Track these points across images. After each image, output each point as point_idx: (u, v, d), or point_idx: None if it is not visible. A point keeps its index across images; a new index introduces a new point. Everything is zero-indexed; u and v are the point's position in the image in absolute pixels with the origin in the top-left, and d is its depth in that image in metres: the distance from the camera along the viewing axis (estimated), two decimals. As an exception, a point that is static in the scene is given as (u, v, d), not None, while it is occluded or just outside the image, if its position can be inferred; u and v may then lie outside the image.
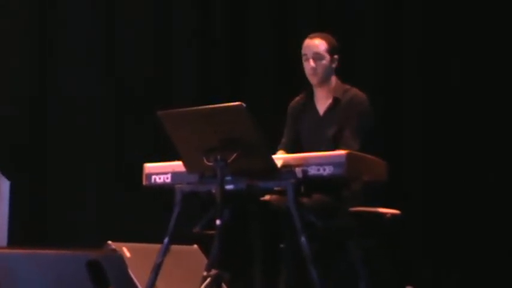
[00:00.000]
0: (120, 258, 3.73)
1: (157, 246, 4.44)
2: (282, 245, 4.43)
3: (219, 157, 4.06)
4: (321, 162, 4.08)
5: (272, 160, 4.15)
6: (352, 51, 6.85)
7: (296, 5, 7.28)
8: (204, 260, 4.96)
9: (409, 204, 6.14)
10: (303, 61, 4.77)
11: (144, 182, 4.55)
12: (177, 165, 4.38)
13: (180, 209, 4.35)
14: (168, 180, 4.45)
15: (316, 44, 4.75)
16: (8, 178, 5.31)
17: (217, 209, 4.03)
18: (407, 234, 6.09)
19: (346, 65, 4.93)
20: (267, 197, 4.51)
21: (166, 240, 4.37)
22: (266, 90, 7.12)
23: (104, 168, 6.97)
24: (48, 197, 6.92)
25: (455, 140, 6.75)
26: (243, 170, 4.16)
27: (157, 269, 4.37)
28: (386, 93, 6.98)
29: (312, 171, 4.08)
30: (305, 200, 4.26)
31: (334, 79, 4.80)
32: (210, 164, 4.09)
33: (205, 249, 5.16)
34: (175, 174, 4.42)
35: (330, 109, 4.77)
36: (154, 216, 5.43)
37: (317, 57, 4.72)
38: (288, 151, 4.70)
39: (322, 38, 4.77)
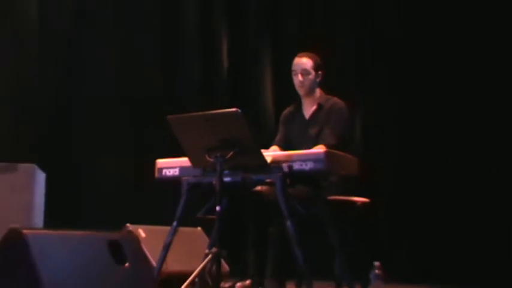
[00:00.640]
0: (136, 238, 3.73)
1: (167, 228, 4.43)
2: (271, 228, 4.42)
3: (218, 154, 4.06)
4: (303, 159, 4.09)
5: (263, 157, 4.14)
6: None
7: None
8: (206, 240, 4.95)
9: (378, 193, 6.13)
10: (293, 75, 4.80)
11: (156, 175, 4.55)
12: (184, 161, 4.38)
13: (186, 197, 4.36)
14: (176, 174, 4.46)
15: (304, 61, 4.77)
16: (44, 171, 5.30)
17: (217, 198, 4.03)
18: (376, 218, 6.10)
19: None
20: (258, 188, 4.52)
21: (174, 223, 4.37)
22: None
23: (124, 164, 6.98)
24: (77, 187, 6.93)
25: (418, 137, 6.74)
26: (239, 165, 4.16)
27: (167, 247, 4.39)
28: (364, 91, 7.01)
29: (296, 166, 4.09)
30: (290, 190, 4.22)
31: (318, 91, 4.82)
32: (211, 160, 4.09)
33: (207, 231, 5.15)
34: (182, 169, 4.43)
35: (314, 113, 4.78)
36: (165, 203, 5.41)
37: (304, 72, 4.74)
38: (280, 146, 4.74)
39: (309, 56, 4.79)
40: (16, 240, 3.11)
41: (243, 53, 7.28)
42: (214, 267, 4.02)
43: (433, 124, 6.67)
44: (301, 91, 4.80)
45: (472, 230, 6.23)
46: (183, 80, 7.22)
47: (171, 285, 4.09)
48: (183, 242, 4.78)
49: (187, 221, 4.53)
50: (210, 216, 4.10)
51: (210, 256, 4.01)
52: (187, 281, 3.97)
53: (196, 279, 4.06)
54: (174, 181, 4.50)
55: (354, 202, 4.64)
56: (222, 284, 4.13)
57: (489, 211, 6.21)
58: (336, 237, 4.40)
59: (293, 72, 4.80)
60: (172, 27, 7.26)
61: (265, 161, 4.14)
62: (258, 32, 7.30)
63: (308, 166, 4.07)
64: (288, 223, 4.05)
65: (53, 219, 5.38)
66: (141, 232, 4.98)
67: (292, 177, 4.17)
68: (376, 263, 4.56)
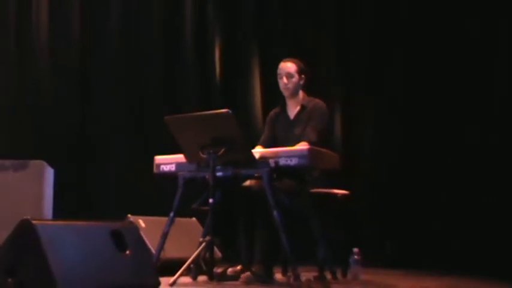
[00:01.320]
0: (136, 228, 3.72)
1: (165, 219, 4.45)
2: (259, 218, 4.41)
3: (211, 151, 4.09)
4: (288, 155, 4.11)
5: (252, 154, 4.18)
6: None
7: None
8: (200, 230, 4.93)
9: (357, 186, 6.14)
10: (278, 79, 4.80)
11: (155, 170, 4.56)
12: (180, 157, 4.39)
13: (182, 191, 4.36)
14: (173, 169, 4.47)
15: (289, 66, 4.77)
16: (52, 166, 5.29)
17: (210, 191, 4.06)
18: (355, 209, 6.11)
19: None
20: (247, 183, 4.54)
21: (171, 214, 4.38)
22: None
23: (125, 160, 6.97)
24: (84, 181, 6.91)
25: (395, 133, 6.76)
26: (230, 161, 4.18)
27: (165, 236, 4.40)
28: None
29: (282, 161, 4.11)
30: (277, 183, 4.25)
31: (301, 93, 4.82)
32: (205, 156, 4.12)
33: (201, 221, 5.14)
34: (178, 164, 4.44)
35: (298, 114, 4.78)
36: (163, 196, 5.41)
37: (289, 75, 4.74)
38: (264, 146, 4.71)
39: (293, 61, 4.79)
40: (27, 230, 3.11)
41: (234, 60, 7.28)
42: (208, 254, 4.05)
43: (411, 119, 6.68)
44: (285, 93, 4.80)
45: (447, 217, 6.25)
46: (181, 85, 7.21)
47: (169, 271, 4.09)
48: (179, 231, 4.79)
49: (183, 212, 4.53)
50: (204, 208, 4.12)
51: (204, 244, 4.04)
52: (184, 267, 4.00)
53: (192, 265, 4.10)
54: (171, 176, 4.49)
55: (335, 194, 4.66)
56: (215, 269, 4.13)
57: (462, 197, 6.23)
58: (319, 226, 4.42)
59: (278, 76, 4.80)
60: (172, 37, 7.26)
61: (253, 157, 4.16)
62: (248, 41, 7.30)
63: (293, 162, 4.09)
64: (275, 213, 4.06)
65: (60, 210, 5.37)
66: (141, 222, 4.97)
67: (279, 171, 4.18)
68: (355, 249, 4.59)
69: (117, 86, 7.07)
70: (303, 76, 4.77)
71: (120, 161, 6.95)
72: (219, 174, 4.17)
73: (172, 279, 3.94)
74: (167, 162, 4.50)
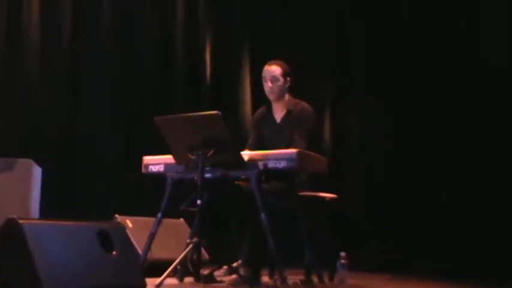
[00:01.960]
0: (123, 228, 3.71)
1: (152, 219, 4.43)
2: (247, 220, 4.38)
3: (200, 152, 4.07)
4: (277, 158, 4.11)
5: (240, 156, 4.16)
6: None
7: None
8: (188, 231, 4.93)
9: (345, 189, 6.15)
10: (263, 82, 4.75)
11: (143, 171, 4.53)
12: (169, 158, 4.37)
13: (170, 191, 4.34)
14: (162, 170, 4.44)
15: (273, 69, 4.71)
16: (40, 166, 5.27)
17: (199, 192, 4.04)
18: (343, 212, 6.12)
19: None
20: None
21: (159, 215, 4.36)
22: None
23: (114, 161, 6.95)
24: (72, 181, 6.89)
25: (384, 138, 6.78)
26: (219, 162, 4.16)
27: (152, 236, 4.39)
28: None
29: (271, 164, 4.10)
30: (265, 186, 4.24)
31: (287, 96, 4.76)
32: (194, 157, 4.10)
33: (189, 222, 5.13)
34: (167, 165, 4.41)
35: (284, 118, 4.74)
36: (151, 197, 5.39)
37: (274, 79, 4.69)
38: (252, 150, 4.68)
39: (278, 64, 4.73)
40: (13, 230, 3.10)
41: (225, 61, 7.28)
42: (195, 256, 4.03)
43: (402, 122, 6.70)
44: (271, 97, 4.75)
45: (438, 220, 6.28)
46: (171, 86, 7.20)
47: (156, 272, 4.08)
48: (167, 232, 4.76)
49: (171, 213, 4.52)
50: (192, 209, 4.09)
51: (191, 245, 4.02)
52: (170, 268, 3.98)
53: (179, 266, 4.08)
54: (159, 176, 4.48)
55: (323, 198, 4.66)
56: (201, 271, 4.11)
57: (453, 200, 6.27)
58: (306, 229, 4.40)
59: (263, 79, 4.74)
60: (162, 39, 7.25)
61: (242, 159, 4.15)
62: (239, 42, 7.30)
63: (282, 164, 4.08)
64: (263, 215, 4.06)
65: (47, 210, 5.34)
66: (129, 223, 4.95)
67: (267, 174, 4.17)
68: (343, 253, 4.59)
69: (106, 86, 7.06)
70: (288, 79, 4.71)
71: (109, 161, 6.93)
72: (207, 175, 4.14)
73: (158, 280, 3.93)
74: (156, 162, 4.47)
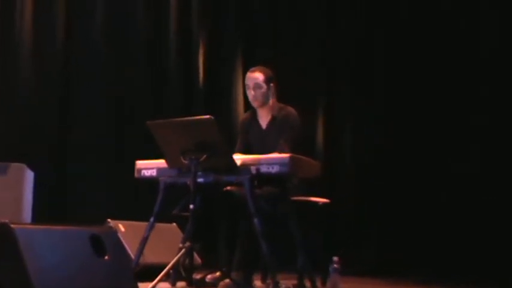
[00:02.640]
0: (116, 233, 3.73)
1: (145, 223, 4.43)
2: (240, 225, 4.41)
3: (193, 157, 4.07)
4: (270, 162, 4.12)
5: (233, 160, 4.17)
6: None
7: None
8: (180, 235, 4.91)
9: (338, 193, 6.17)
10: (246, 90, 4.75)
11: (136, 175, 4.53)
12: (161, 163, 4.37)
13: (163, 196, 4.35)
14: (154, 174, 4.44)
15: (256, 76, 4.70)
16: (32, 170, 5.27)
17: (191, 197, 4.04)
18: (335, 217, 6.13)
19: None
20: (228, 187, 4.52)
21: (152, 219, 4.37)
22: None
23: (107, 165, 6.94)
24: (64, 185, 6.87)
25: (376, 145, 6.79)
26: (211, 167, 4.16)
27: (144, 241, 4.39)
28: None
29: (263, 169, 4.11)
30: (258, 190, 4.25)
31: (272, 101, 4.72)
32: (186, 162, 4.10)
33: (181, 227, 5.13)
34: (159, 169, 4.42)
35: (270, 124, 4.73)
36: (143, 201, 5.40)
37: (257, 86, 4.67)
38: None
39: (260, 71, 4.72)
40: (5, 234, 3.10)
41: (218, 65, 7.29)
42: (187, 260, 4.03)
43: (395, 127, 6.74)
44: (254, 104, 4.73)
45: (430, 224, 6.30)
46: (164, 89, 7.20)
47: (148, 276, 4.08)
48: (159, 236, 4.78)
49: (164, 217, 4.51)
50: (184, 214, 4.09)
51: (183, 250, 4.02)
52: (163, 272, 3.97)
53: (171, 271, 4.07)
54: (152, 181, 4.48)
55: (316, 202, 4.67)
56: (194, 276, 4.12)
57: (446, 205, 6.31)
58: (299, 234, 4.39)
59: (246, 87, 4.74)
60: (155, 42, 7.25)
61: (235, 163, 4.16)
62: (231, 45, 7.32)
63: (274, 169, 4.09)
64: (255, 220, 4.07)
65: (40, 214, 5.34)
66: (121, 227, 4.95)
67: (260, 179, 4.18)
68: (335, 258, 4.59)
69: (99, 89, 7.03)
70: (271, 85, 4.70)
71: (101, 165, 6.91)
72: (200, 180, 4.15)
73: (150, 285, 3.93)
74: (148, 167, 4.48)
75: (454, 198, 6.29)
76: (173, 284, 4.24)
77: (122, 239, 4.38)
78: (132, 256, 4.50)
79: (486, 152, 6.34)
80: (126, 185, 6.23)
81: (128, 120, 7.02)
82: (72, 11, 7.10)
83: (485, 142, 6.36)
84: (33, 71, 6.88)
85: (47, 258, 3.14)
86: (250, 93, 4.71)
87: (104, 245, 3.42)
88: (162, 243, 4.87)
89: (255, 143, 4.77)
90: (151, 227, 4.38)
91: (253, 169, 4.13)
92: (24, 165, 5.07)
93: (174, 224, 5.42)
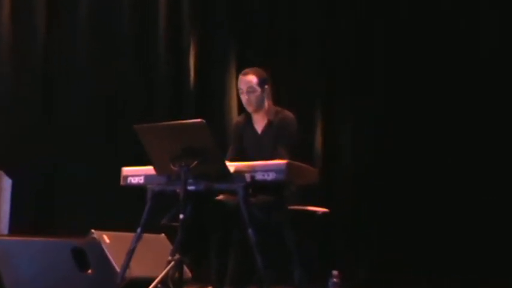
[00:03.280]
0: (100, 245, 3.60)
1: (132, 234, 4.31)
2: (233, 236, 4.30)
3: (183, 163, 3.95)
4: (265, 169, 4.01)
5: (226, 167, 4.05)
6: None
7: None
8: (169, 247, 4.85)
9: (336, 200, 6.15)
10: (240, 94, 4.63)
11: (122, 183, 4.40)
12: (149, 169, 4.25)
13: (151, 205, 4.24)
14: (141, 181, 4.33)
15: (249, 79, 4.57)
16: (10, 177, 5.14)
17: (181, 206, 3.93)
18: (335, 228, 6.10)
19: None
20: (221, 197, 4.42)
21: (139, 229, 4.24)
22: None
23: (91, 169, 6.79)
24: (45, 193, 6.72)
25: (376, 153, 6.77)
26: (202, 174, 4.06)
27: (131, 253, 4.25)
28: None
29: (258, 176, 4.00)
30: (252, 199, 4.13)
31: (267, 104, 4.62)
32: (176, 168, 3.98)
33: (170, 238, 5.04)
34: (147, 177, 4.30)
35: (266, 129, 4.61)
36: (130, 210, 5.28)
37: (250, 90, 4.55)
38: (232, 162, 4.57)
39: (253, 73, 4.60)
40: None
41: (210, 66, 7.20)
42: (176, 274, 3.91)
43: (394, 131, 6.79)
44: (249, 109, 4.62)
45: (430, 233, 6.35)
46: (153, 91, 7.08)
47: (135, 291, 3.96)
48: (147, 248, 4.64)
49: (152, 227, 4.42)
50: (174, 223, 3.99)
51: (172, 263, 3.91)
52: (150, 287, 3.85)
53: (159, 285, 3.95)
54: (139, 188, 4.37)
55: (314, 212, 4.56)
56: (184, 290, 4.00)
57: (445, 212, 6.38)
58: (294, 245, 4.30)
59: (239, 91, 4.63)
60: (144, 41, 7.13)
61: (228, 170, 4.04)
62: (224, 45, 7.22)
63: (270, 176, 3.98)
64: (250, 231, 3.96)
65: (19, 225, 5.20)
66: (106, 238, 4.83)
67: (255, 187, 4.07)
68: (334, 272, 4.48)
69: (84, 91, 6.88)
70: (266, 87, 4.59)
71: (85, 172, 6.75)
72: (190, 188, 4.03)
73: (137, 300, 3.81)
74: (135, 174, 4.35)
75: (454, 198, 6.41)
76: (161, 299, 4.11)
77: (106, 251, 4.31)
78: (118, 269, 4.34)
79: (486, 152, 6.46)
80: (111, 193, 6.08)
81: (115, 122, 6.86)
82: (54, 5, 6.93)
83: (485, 142, 6.47)
84: (11, 67, 6.70)
85: (25, 271, 3.08)
86: (244, 98, 4.59)
87: (87, 258, 3.33)
88: (150, 256, 4.75)
89: (250, 149, 4.64)
90: (139, 238, 4.25)
91: (247, 176, 4.01)
92: (1, 172, 4.95)
93: (163, 234, 5.32)
